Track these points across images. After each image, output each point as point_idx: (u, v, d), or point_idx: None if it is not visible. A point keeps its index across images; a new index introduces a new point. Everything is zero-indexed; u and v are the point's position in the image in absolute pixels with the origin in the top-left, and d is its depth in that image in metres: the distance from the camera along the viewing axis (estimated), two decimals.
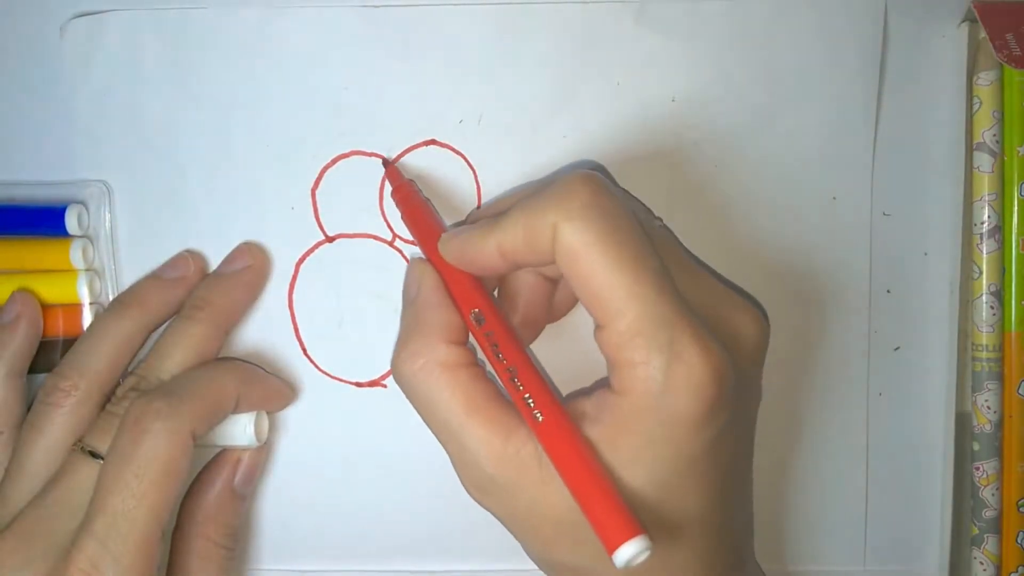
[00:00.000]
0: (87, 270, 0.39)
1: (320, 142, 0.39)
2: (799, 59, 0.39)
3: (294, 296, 0.40)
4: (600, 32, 0.38)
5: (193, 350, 0.37)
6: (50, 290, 0.39)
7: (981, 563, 0.40)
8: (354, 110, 0.39)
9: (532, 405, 0.31)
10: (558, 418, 0.31)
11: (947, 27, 0.39)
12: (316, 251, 0.40)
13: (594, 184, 0.31)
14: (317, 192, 0.40)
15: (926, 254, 0.40)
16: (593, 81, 0.39)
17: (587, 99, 0.39)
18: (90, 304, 0.39)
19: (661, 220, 0.38)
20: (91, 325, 0.38)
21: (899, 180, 0.40)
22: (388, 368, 0.40)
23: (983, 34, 0.37)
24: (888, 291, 0.40)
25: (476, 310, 0.33)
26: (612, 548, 0.28)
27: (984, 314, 0.39)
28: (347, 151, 0.39)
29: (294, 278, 0.40)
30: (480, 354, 0.34)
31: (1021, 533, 0.39)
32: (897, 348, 0.40)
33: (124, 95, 0.39)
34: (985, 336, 0.39)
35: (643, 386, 0.29)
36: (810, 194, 0.39)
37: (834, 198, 0.39)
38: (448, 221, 0.39)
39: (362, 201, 0.40)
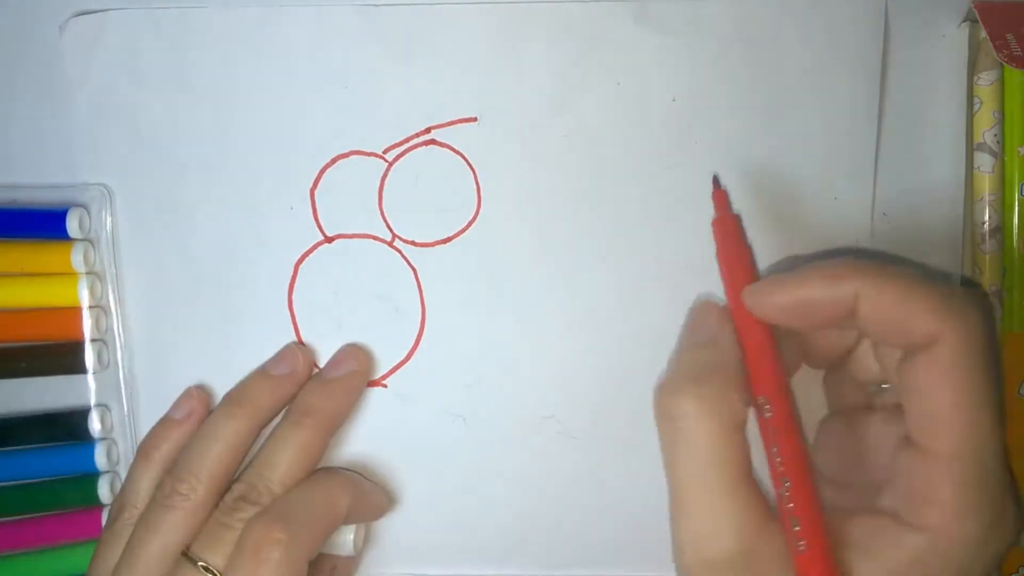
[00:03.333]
0: (88, 273, 0.39)
1: (319, 142, 0.39)
2: (800, 59, 0.38)
3: (293, 297, 0.40)
4: (600, 32, 0.38)
5: (301, 458, 0.37)
6: (51, 293, 0.39)
7: None
8: (353, 110, 0.39)
9: (797, 530, 0.29)
10: (823, 556, 0.29)
11: (947, 27, 0.39)
12: (315, 251, 0.40)
13: (990, 311, 0.29)
14: (316, 192, 0.40)
15: (926, 254, 0.40)
16: (594, 81, 0.39)
17: (588, 99, 0.39)
18: (91, 307, 0.39)
19: None
20: (204, 426, 0.38)
21: (899, 180, 0.39)
22: (388, 368, 0.40)
23: (983, 34, 0.37)
24: None
25: (764, 398, 0.31)
26: None
27: None
28: (346, 151, 0.39)
29: (293, 279, 0.40)
30: None
31: (1022, 534, 0.39)
32: None
33: (123, 94, 0.39)
34: None
35: (955, 534, 0.28)
36: (811, 194, 0.39)
37: (835, 198, 0.39)
38: (449, 220, 0.39)
39: (361, 201, 0.40)
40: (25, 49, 0.40)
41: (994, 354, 0.28)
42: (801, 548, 0.29)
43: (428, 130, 0.39)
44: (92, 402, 0.40)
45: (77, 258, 0.39)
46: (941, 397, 0.28)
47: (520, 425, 0.40)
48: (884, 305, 0.29)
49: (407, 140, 0.39)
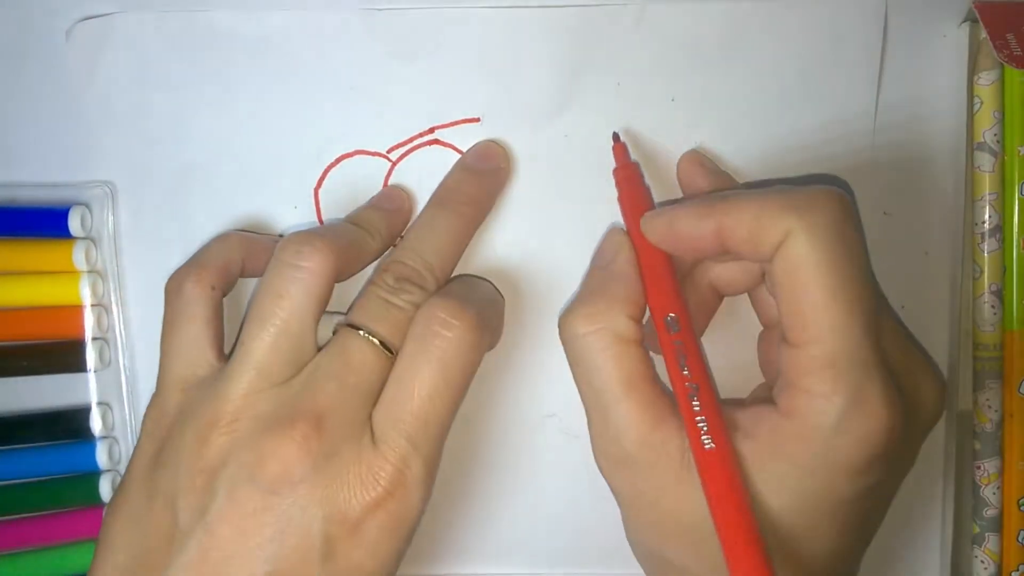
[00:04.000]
0: (90, 272, 0.39)
1: (324, 142, 0.40)
2: (799, 59, 0.39)
3: None
4: (600, 33, 0.39)
5: (459, 243, 0.37)
6: (53, 292, 0.39)
7: (982, 562, 0.40)
8: (358, 110, 0.39)
9: (704, 430, 0.31)
10: (724, 451, 0.31)
11: (948, 27, 0.39)
12: None
13: (841, 204, 0.30)
14: (320, 192, 0.40)
15: (926, 254, 0.40)
16: (593, 82, 0.39)
17: (588, 100, 0.39)
18: (92, 306, 0.39)
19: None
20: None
21: (899, 180, 0.40)
22: None
23: (984, 34, 0.37)
24: (888, 291, 0.40)
25: (672, 315, 0.33)
26: None
27: (985, 313, 0.39)
28: (351, 151, 0.40)
29: None
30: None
31: (1022, 532, 0.39)
32: None
33: (128, 95, 0.39)
34: (986, 335, 0.39)
35: (816, 418, 0.29)
36: None
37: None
38: None
39: (365, 200, 0.39)
40: (30, 51, 0.40)
41: (848, 243, 0.30)
42: (707, 445, 0.31)
43: (432, 130, 0.39)
44: (93, 401, 0.40)
45: (79, 256, 0.39)
46: (795, 289, 0.30)
47: (520, 425, 0.40)
48: (740, 226, 0.31)
49: (411, 140, 0.39)
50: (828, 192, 0.31)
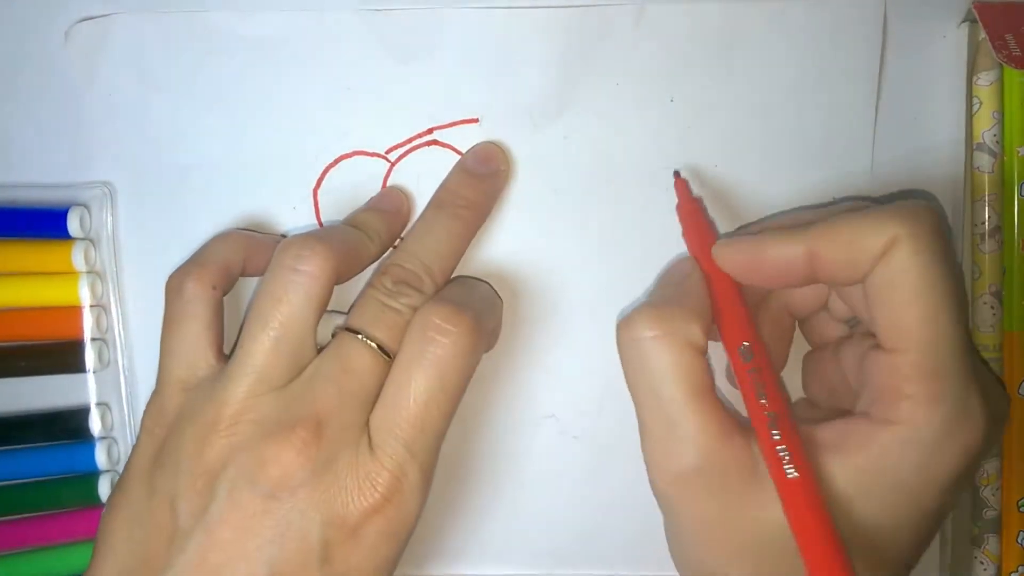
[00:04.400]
0: (89, 272, 0.39)
1: (322, 142, 0.39)
2: (798, 60, 0.39)
3: None
4: (599, 34, 0.39)
5: (457, 247, 0.37)
6: (51, 292, 0.39)
7: (981, 563, 0.40)
8: (356, 111, 0.39)
9: (787, 459, 0.30)
10: (809, 480, 0.30)
11: (947, 28, 0.39)
12: None
13: (940, 218, 0.30)
14: (319, 192, 0.40)
15: None
16: (593, 82, 0.39)
17: (587, 100, 0.39)
18: (91, 306, 0.39)
19: None
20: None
21: (899, 180, 0.40)
22: None
23: (983, 35, 0.37)
24: None
25: (746, 344, 0.32)
26: None
27: (985, 314, 0.39)
28: (349, 151, 0.40)
29: None
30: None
31: (1021, 533, 0.39)
32: None
33: (127, 96, 0.39)
34: (986, 336, 0.39)
35: (920, 425, 0.29)
36: (810, 195, 0.39)
37: (833, 199, 0.39)
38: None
39: (364, 201, 0.39)
40: (30, 52, 0.40)
41: (948, 251, 0.30)
42: (790, 474, 0.30)
43: (430, 131, 0.39)
44: (92, 401, 0.40)
45: (78, 257, 0.39)
46: (901, 296, 0.29)
47: (520, 425, 0.40)
48: (838, 249, 0.31)
49: (409, 140, 0.39)
50: (926, 205, 0.31)
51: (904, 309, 0.29)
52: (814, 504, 0.30)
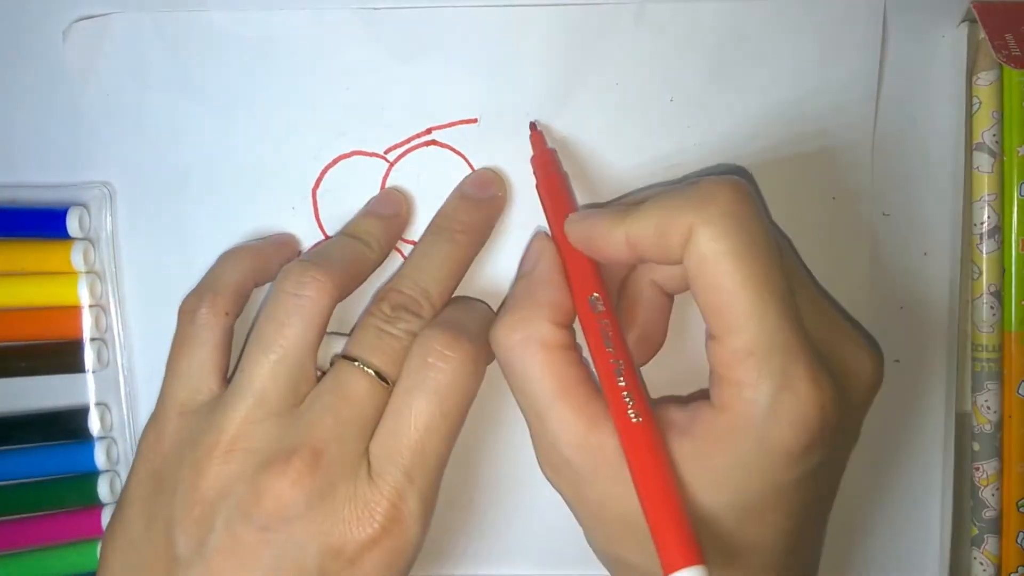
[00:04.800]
0: (88, 272, 0.39)
1: (321, 142, 0.39)
2: (798, 59, 0.39)
3: None
4: (599, 33, 0.38)
5: (456, 272, 0.37)
6: (51, 292, 0.39)
7: (981, 563, 0.40)
8: (355, 110, 0.39)
9: (630, 404, 0.31)
10: (649, 425, 0.31)
11: (946, 27, 0.39)
12: None
13: (738, 192, 0.30)
14: (318, 192, 0.40)
15: (926, 254, 0.40)
16: (592, 82, 0.39)
17: (586, 100, 0.39)
18: (90, 306, 0.39)
19: (788, 239, 0.38)
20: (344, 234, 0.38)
21: (899, 180, 0.39)
22: None
23: (982, 34, 0.37)
24: (888, 291, 0.40)
25: (595, 295, 0.33)
26: (669, 571, 0.28)
27: (984, 314, 0.39)
28: (348, 151, 0.40)
29: None
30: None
31: (1021, 533, 0.39)
32: (897, 360, 0.40)
33: (126, 96, 0.39)
34: (985, 336, 0.39)
35: (746, 407, 0.29)
36: (810, 194, 0.39)
37: (833, 198, 0.39)
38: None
39: (363, 201, 0.40)
40: (28, 52, 0.40)
41: (749, 227, 0.30)
42: (635, 420, 0.31)
43: (429, 131, 0.39)
44: (92, 401, 0.40)
45: (77, 257, 0.39)
46: (703, 282, 0.30)
47: (520, 424, 0.40)
48: (647, 236, 0.31)
49: (408, 140, 0.39)
50: (722, 182, 0.31)
51: (712, 294, 0.30)
52: (654, 447, 0.30)
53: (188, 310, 0.36)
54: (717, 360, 0.30)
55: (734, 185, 0.30)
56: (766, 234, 0.30)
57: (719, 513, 0.30)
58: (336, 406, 0.33)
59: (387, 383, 0.34)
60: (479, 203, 0.38)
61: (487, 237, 0.39)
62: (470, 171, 0.39)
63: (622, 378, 0.31)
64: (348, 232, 0.38)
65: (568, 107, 0.39)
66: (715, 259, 0.29)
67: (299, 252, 0.39)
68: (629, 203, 0.33)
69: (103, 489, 0.40)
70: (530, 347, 0.32)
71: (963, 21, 0.38)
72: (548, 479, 0.34)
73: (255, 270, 0.37)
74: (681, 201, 0.30)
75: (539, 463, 0.34)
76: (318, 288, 0.34)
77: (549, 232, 0.37)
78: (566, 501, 0.34)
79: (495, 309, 0.39)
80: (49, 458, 0.40)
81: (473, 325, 0.35)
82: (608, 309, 0.33)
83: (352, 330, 0.36)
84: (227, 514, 0.32)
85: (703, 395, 0.31)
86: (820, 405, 0.29)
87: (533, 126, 0.39)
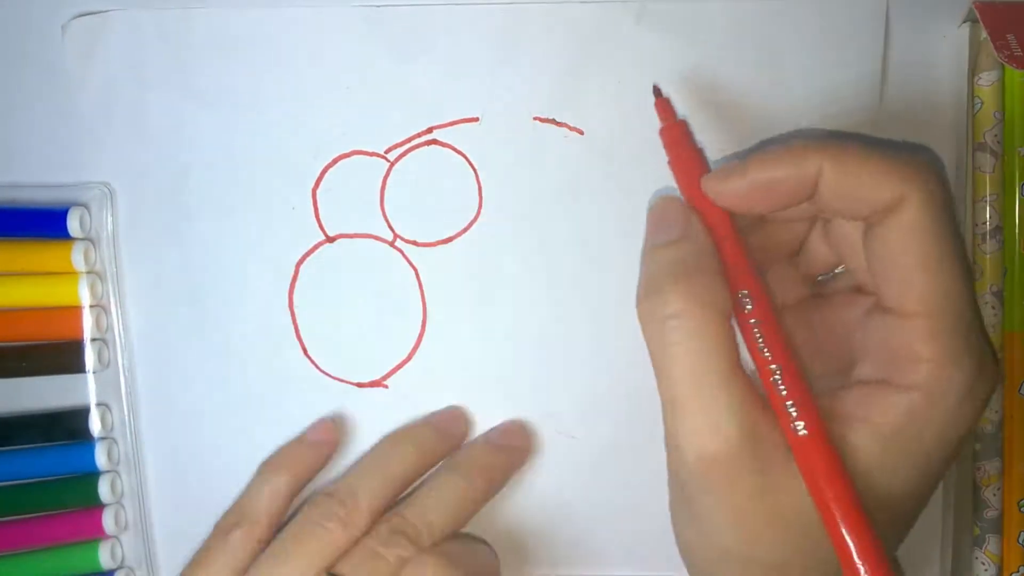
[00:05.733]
0: (89, 272, 0.39)
1: (321, 142, 0.39)
2: (800, 59, 0.38)
3: (294, 296, 0.40)
4: (601, 31, 0.38)
5: (465, 511, 0.37)
6: (51, 292, 0.39)
7: (983, 563, 0.40)
8: (355, 110, 0.39)
9: (794, 415, 0.29)
10: (821, 435, 0.29)
11: (948, 27, 0.39)
12: (316, 251, 0.40)
13: (942, 174, 0.30)
14: (318, 192, 0.40)
15: None
16: (594, 81, 0.39)
17: (588, 99, 0.39)
18: (91, 306, 0.39)
19: None
20: (373, 456, 0.39)
21: None
22: (389, 368, 0.40)
23: (984, 34, 0.37)
24: None
25: (744, 292, 0.31)
26: None
27: (985, 314, 0.39)
28: (348, 151, 0.39)
29: (294, 278, 0.40)
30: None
31: (1023, 533, 0.39)
32: None
33: (126, 95, 0.39)
34: None
35: (947, 386, 0.29)
36: None
37: None
38: (450, 220, 0.39)
39: (363, 201, 0.40)
40: (27, 49, 0.39)
41: (952, 212, 0.30)
42: (800, 431, 0.29)
43: (430, 130, 0.39)
44: (92, 401, 0.40)
45: (78, 257, 0.39)
46: (911, 257, 0.29)
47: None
48: (846, 177, 0.29)
49: (409, 140, 0.39)
50: (931, 160, 0.31)
51: (915, 271, 0.29)
52: (827, 461, 0.29)
53: (224, 529, 0.37)
54: (905, 337, 0.29)
55: (942, 170, 0.31)
56: (956, 217, 0.30)
57: (890, 500, 0.30)
58: None
59: None
60: (501, 451, 0.39)
61: (502, 486, 0.39)
62: (471, 171, 0.39)
63: (783, 385, 0.30)
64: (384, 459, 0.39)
65: (570, 105, 0.39)
66: (927, 232, 0.29)
67: (336, 444, 0.40)
68: (819, 139, 0.30)
69: (103, 489, 0.40)
70: (705, 315, 0.30)
71: (965, 21, 0.38)
72: (686, 470, 0.31)
73: (293, 494, 0.38)
74: (895, 166, 0.29)
75: (685, 446, 0.30)
76: (340, 527, 0.35)
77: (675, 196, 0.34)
78: (702, 490, 0.31)
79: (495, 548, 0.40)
80: (50, 458, 0.40)
81: (469, 562, 0.36)
82: (762, 304, 0.31)
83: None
84: None
85: (860, 381, 0.31)
86: (992, 392, 0.30)
87: (657, 90, 0.37)
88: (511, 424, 0.40)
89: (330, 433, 0.39)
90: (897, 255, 0.29)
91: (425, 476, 0.38)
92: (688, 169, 0.34)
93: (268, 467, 0.39)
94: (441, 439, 0.39)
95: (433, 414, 0.40)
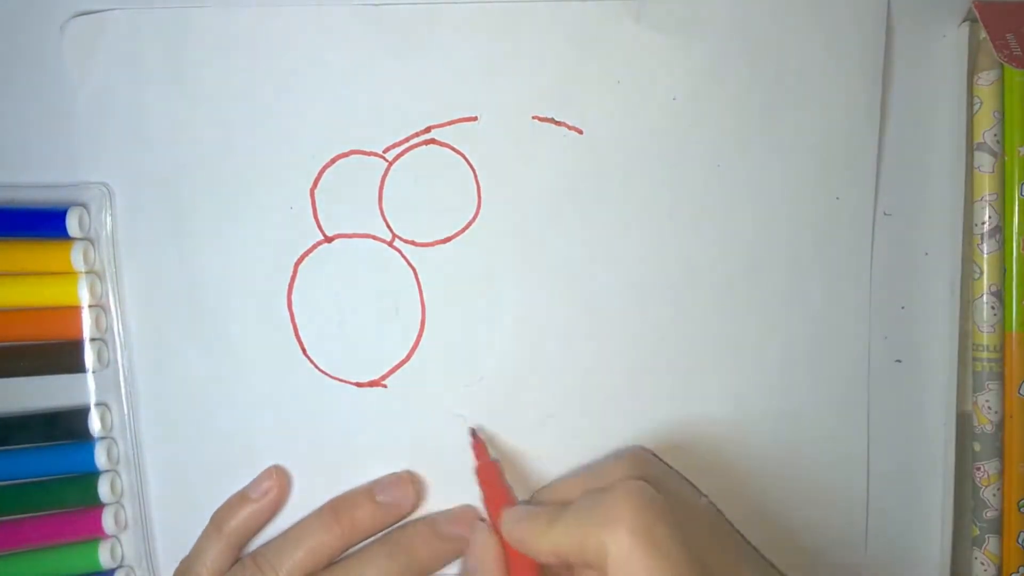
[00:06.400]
0: (88, 272, 0.39)
1: (319, 141, 0.39)
2: (801, 59, 0.38)
3: (293, 296, 0.40)
4: (601, 31, 0.38)
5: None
6: (51, 292, 0.39)
7: (982, 563, 0.40)
8: (353, 109, 0.39)
9: None
10: None
11: (948, 27, 0.39)
12: (315, 251, 0.40)
13: (640, 501, 0.32)
14: (316, 192, 0.40)
15: (926, 254, 0.40)
16: (594, 80, 0.39)
17: (588, 99, 0.39)
18: (90, 306, 0.39)
19: (707, 498, 0.39)
20: (299, 527, 0.40)
21: (900, 180, 0.39)
22: (388, 368, 0.40)
23: (984, 34, 0.37)
24: (888, 291, 0.40)
25: None
26: None
27: (985, 314, 0.39)
28: (346, 150, 0.39)
29: (293, 278, 0.40)
30: None
31: (1022, 533, 0.39)
32: (898, 361, 0.40)
33: (124, 94, 0.39)
34: (986, 336, 0.39)
35: None
36: (811, 194, 0.39)
37: (836, 198, 0.39)
38: (449, 220, 0.39)
39: (361, 201, 0.40)
40: (25, 49, 0.40)
41: (662, 536, 0.31)
42: None
43: (428, 129, 0.39)
44: (92, 401, 0.40)
45: (77, 257, 0.39)
46: None
47: (520, 425, 0.40)
48: (572, 550, 0.33)
49: (407, 139, 0.39)
50: (627, 495, 0.32)
51: None
52: None
53: None
54: None
55: (638, 494, 0.32)
56: (672, 535, 0.31)
57: None
58: None
59: None
60: (444, 539, 0.39)
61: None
62: (469, 170, 0.39)
63: None
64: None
65: (569, 105, 0.39)
66: (627, 572, 0.31)
67: (283, 491, 0.41)
68: (555, 509, 0.34)
69: (103, 489, 0.40)
70: None
71: (964, 21, 0.38)
72: None
73: (237, 549, 0.40)
74: (593, 518, 0.32)
75: None
76: None
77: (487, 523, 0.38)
78: None
79: None
80: (49, 458, 0.40)
81: None
82: None
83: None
84: None
85: None
86: None
87: (474, 433, 0.40)
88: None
89: (272, 489, 0.40)
90: None
91: (360, 546, 0.39)
92: (499, 506, 0.37)
93: (214, 524, 0.40)
94: (382, 513, 0.39)
95: (380, 480, 0.40)
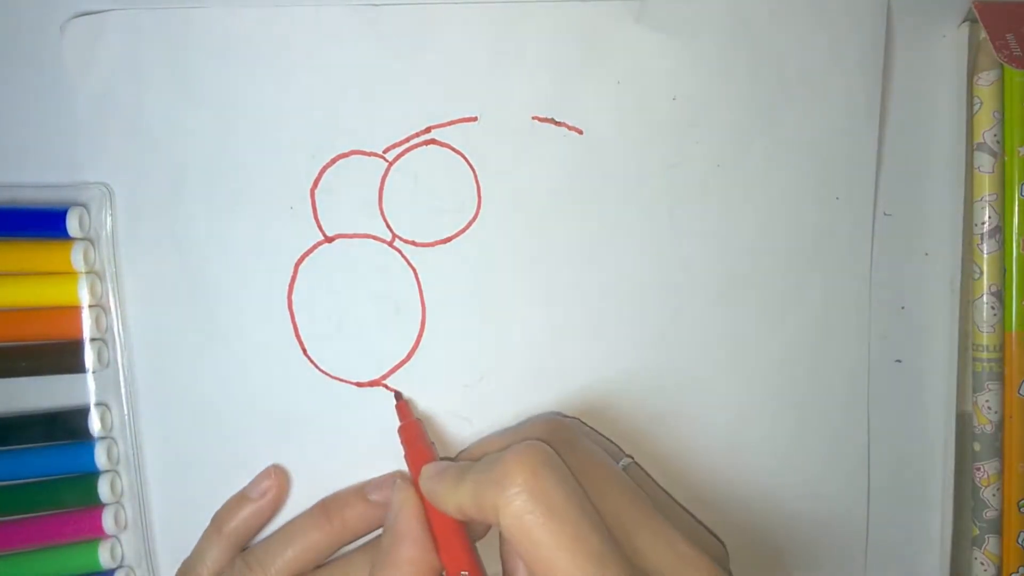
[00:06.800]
0: (88, 272, 0.39)
1: (319, 142, 0.39)
2: (801, 59, 0.38)
3: (293, 297, 0.40)
4: (601, 31, 0.38)
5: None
6: (51, 292, 0.39)
7: (982, 563, 0.40)
8: (353, 110, 0.39)
9: None
10: None
11: (948, 27, 0.39)
12: (315, 251, 0.40)
13: (533, 462, 0.32)
14: (316, 192, 0.40)
15: (926, 254, 0.40)
16: (594, 80, 0.39)
17: (588, 98, 0.39)
18: (90, 306, 0.39)
19: (632, 459, 0.38)
20: (289, 526, 0.40)
21: (900, 180, 0.39)
22: (388, 368, 0.40)
23: (984, 34, 0.37)
24: (888, 291, 0.40)
25: (464, 573, 0.35)
26: None
27: (985, 314, 0.39)
28: (346, 151, 0.39)
29: (293, 278, 0.40)
30: None
31: (1022, 533, 0.39)
32: (898, 361, 0.40)
33: (124, 95, 0.39)
34: (986, 336, 0.39)
35: None
36: (813, 194, 0.39)
37: (836, 198, 0.39)
38: (449, 220, 0.39)
39: (361, 201, 0.40)
40: (26, 49, 0.40)
41: (555, 494, 0.31)
42: None
43: (428, 129, 0.39)
44: (92, 401, 0.40)
45: (77, 257, 0.39)
46: (520, 552, 0.31)
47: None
48: (471, 508, 0.33)
49: (407, 140, 0.39)
50: (515, 456, 0.32)
51: (532, 565, 0.31)
52: None
53: None
54: None
55: (529, 456, 0.32)
56: (567, 496, 0.31)
57: None
58: None
59: None
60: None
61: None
62: (469, 171, 0.39)
63: None
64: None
65: (570, 105, 0.39)
66: (522, 534, 0.31)
67: (282, 491, 0.41)
68: (465, 466, 0.34)
69: (103, 489, 0.40)
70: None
71: (964, 21, 0.38)
72: None
73: (237, 549, 0.40)
74: (488, 479, 0.32)
75: None
76: None
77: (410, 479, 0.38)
78: None
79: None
80: (49, 458, 0.40)
81: None
82: None
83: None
84: None
85: None
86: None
87: (398, 396, 0.40)
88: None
89: (271, 488, 0.40)
90: (519, 555, 0.31)
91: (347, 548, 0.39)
92: (419, 464, 0.37)
93: (214, 526, 0.40)
94: (374, 512, 0.39)
95: (372, 479, 0.40)
